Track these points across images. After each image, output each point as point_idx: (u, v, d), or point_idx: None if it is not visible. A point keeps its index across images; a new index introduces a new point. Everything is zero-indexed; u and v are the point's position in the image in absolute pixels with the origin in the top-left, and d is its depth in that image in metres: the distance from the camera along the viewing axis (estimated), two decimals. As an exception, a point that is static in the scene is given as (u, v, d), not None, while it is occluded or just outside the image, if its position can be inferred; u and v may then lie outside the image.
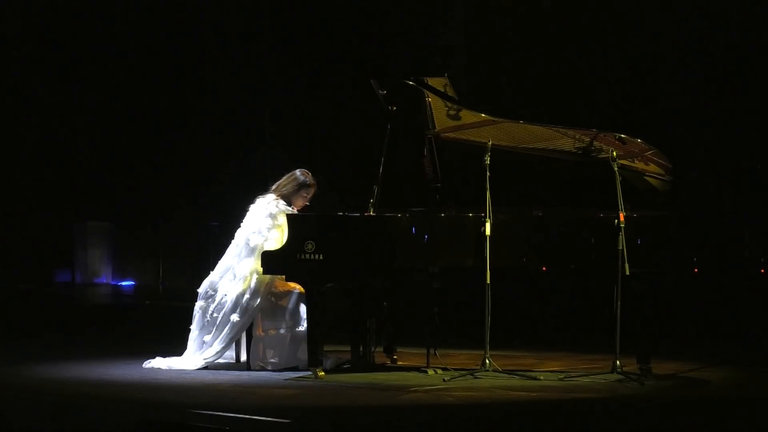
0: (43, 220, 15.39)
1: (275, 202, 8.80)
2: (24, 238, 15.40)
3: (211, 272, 8.89)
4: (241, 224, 8.84)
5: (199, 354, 8.73)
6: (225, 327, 8.67)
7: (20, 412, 7.01)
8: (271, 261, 8.42)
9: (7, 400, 7.39)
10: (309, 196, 8.89)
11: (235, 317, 8.65)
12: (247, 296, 8.66)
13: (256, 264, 8.65)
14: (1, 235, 15.35)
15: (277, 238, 8.68)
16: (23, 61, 15.25)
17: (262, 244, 8.68)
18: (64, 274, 15.79)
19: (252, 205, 8.84)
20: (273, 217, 8.75)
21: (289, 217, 8.51)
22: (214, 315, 8.74)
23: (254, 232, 8.74)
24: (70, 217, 15.65)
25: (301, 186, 8.86)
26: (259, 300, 8.65)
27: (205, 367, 8.66)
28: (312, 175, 8.89)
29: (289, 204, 8.84)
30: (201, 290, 8.85)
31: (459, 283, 9.11)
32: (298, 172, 8.90)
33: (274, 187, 8.89)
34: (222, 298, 8.73)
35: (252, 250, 8.72)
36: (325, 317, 8.43)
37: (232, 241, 8.85)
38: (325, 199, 9.03)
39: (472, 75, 13.20)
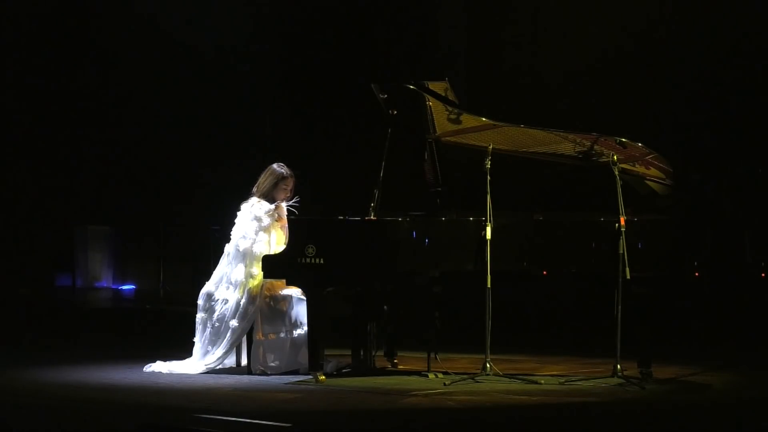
0: (43, 223, 15.35)
1: (258, 205, 8.83)
2: (24, 242, 15.36)
3: (206, 282, 8.90)
4: (230, 234, 8.86)
5: (200, 360, 8.74)
6: (226, 333, 8.68)
7: (21, 416, 7.01)
8: (271, 265, 8.42)
9: (8, 404, 7.39)
10: (289, 188, 8.89)
11: (234, 322, 8.65)
12: (244, 301, 8.67)
13: (248, 268, 8.68)
14: (2, 239, 15.32)
15: (265, 240, 8.72)
16: (24, 63, 15.22)
17: (251, 247, 8.71)
18: (64, 278, 15.73)
19: (238, 212, 8.87)
20: (258, 219, 8.78)
21: (291, 221, 8.56)
22: (216, 325, 8.74)
23: (242, 237, 8.77)
24: (71, 220, 15.62)
25: (279, 178, 8.87)
26: (256, 304, 8.66)
27: (206, 372, 8.66)
28: (288, 166, 8.91)
29: (272, 201, 8.86)
30: (200, 302, 8.86)
31: (460, 287, 9.10)
32: (274, 165, 8.93)
33: (254, 189, 8.92)
34: (222, 308, 8.74)
35: (243, 256, 8.73)
36: (326, 321, 8.42)
37: (224, 250, 8.87)
38: (326, 203, 9.03)
39: (473, 79, 13.19)
